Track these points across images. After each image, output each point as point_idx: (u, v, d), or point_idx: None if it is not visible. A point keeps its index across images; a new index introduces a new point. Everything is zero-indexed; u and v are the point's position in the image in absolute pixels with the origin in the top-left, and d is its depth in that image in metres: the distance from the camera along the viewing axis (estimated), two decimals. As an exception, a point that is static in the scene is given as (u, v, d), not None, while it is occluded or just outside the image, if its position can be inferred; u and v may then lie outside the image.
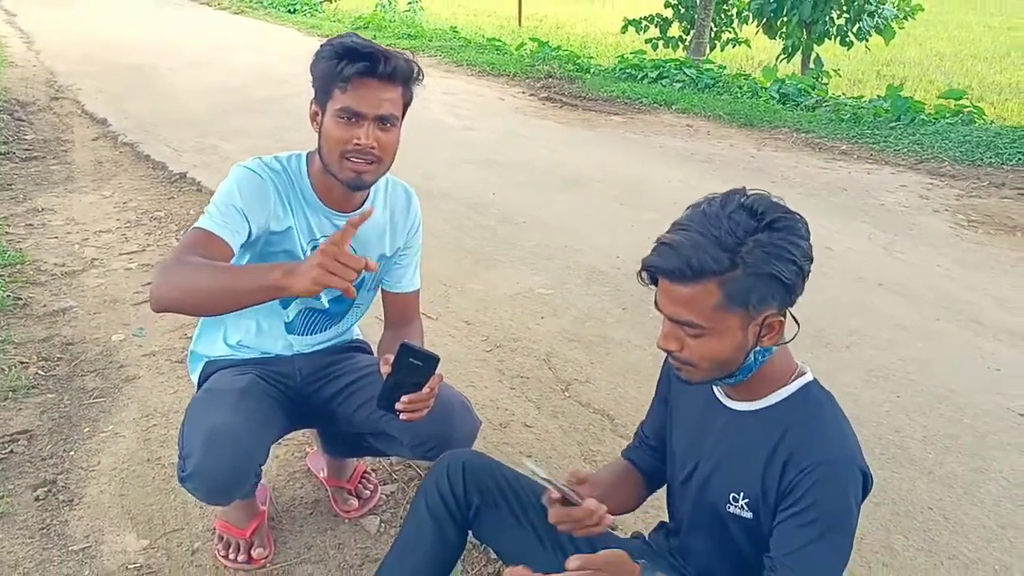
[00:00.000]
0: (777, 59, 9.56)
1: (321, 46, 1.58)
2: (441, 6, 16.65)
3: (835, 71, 9.48)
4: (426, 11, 14.32)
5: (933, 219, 4.59)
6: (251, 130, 5.95)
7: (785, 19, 9.31)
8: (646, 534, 1.57)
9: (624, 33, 10.97)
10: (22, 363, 2.65)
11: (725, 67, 9.17)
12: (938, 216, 4.65)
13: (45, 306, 3.09)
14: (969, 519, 2.14)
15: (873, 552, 2.00)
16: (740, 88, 7.98)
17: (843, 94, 8.18)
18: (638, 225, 4.25)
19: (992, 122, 6.80)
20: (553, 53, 9.55)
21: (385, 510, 2.08)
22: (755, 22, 9.85)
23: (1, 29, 10.65)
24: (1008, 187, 5.16)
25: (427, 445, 1.67)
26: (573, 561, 1.20)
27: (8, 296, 3.10)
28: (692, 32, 10.33)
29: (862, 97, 7.75)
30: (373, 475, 2.18)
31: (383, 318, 1.92)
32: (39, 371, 2.63)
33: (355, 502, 2.07)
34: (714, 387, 1.34)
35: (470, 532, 1.54)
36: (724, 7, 10.43)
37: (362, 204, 1.72)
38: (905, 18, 9.54)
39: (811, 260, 1.17)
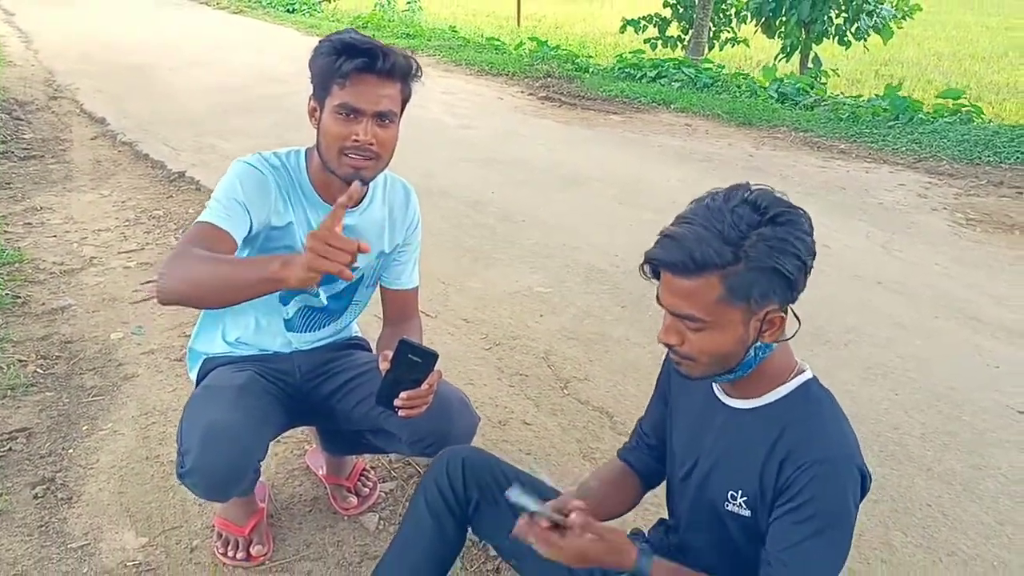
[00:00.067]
0: (776, 59, 9.57)
1: (320, 42, 1.58)
2: (440, 6, 16.65)
3: (833, 71, 9.49)
4: (425, 11, 14.32)
5: (931, 217, 4.60)
6: (250, 129, 5.95)
7: (784, 19, 9.32)
8: (645, 531, 1.57)
9: (623, 33, 10.98)
10: (21, 361, 2.65)
11: (724, 66, 9.18)
12: (936, 214, 4.65)
13: (44, 304, 3.09)
14: (968, 516, 2.14)
15: (872, 549, 2.00)
16: (739, 87, 7.99)
17: (841, 93, 8.18)
18: (637, 224, 4.25)
19: (990, 121, 6.81)
20: (552, 52, 9.55)
21: (384, 507, 2.08)
22: (753, 21, 9.86)
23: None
24: (1006, 186, 5.17)
25: (426, 441, 1.67)
26: (579, 516, 1.20)
27: (7, 295, 3.10)
28: (690, 32, 10.34)
29: (860, 96, 7.76)
30: (372, 472, 2.18)
31: (382, 315, 1.92)
32: (38, 369, 2.63)
33: (354, 499, 2.07)
34: (713, 385, 1.34)
35: (469, 528, 1.54)
36: (722, 7, 10.44)
37: (361, 200, 1.72)
38: (903, 18, 9.55)
39: (814, 255, 1.16)
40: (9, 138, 5.39)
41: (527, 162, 5.48)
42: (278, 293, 1.74)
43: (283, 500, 2.10)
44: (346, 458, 2.10)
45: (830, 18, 9.12)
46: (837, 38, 9.34)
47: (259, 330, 1.80)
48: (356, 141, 1.52)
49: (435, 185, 4.65)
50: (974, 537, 2.06)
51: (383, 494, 2.13)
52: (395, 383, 1.45)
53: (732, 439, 1.29)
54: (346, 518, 2.04)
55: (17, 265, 3.39)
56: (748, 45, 10.88)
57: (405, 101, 1.60)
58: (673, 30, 10.85)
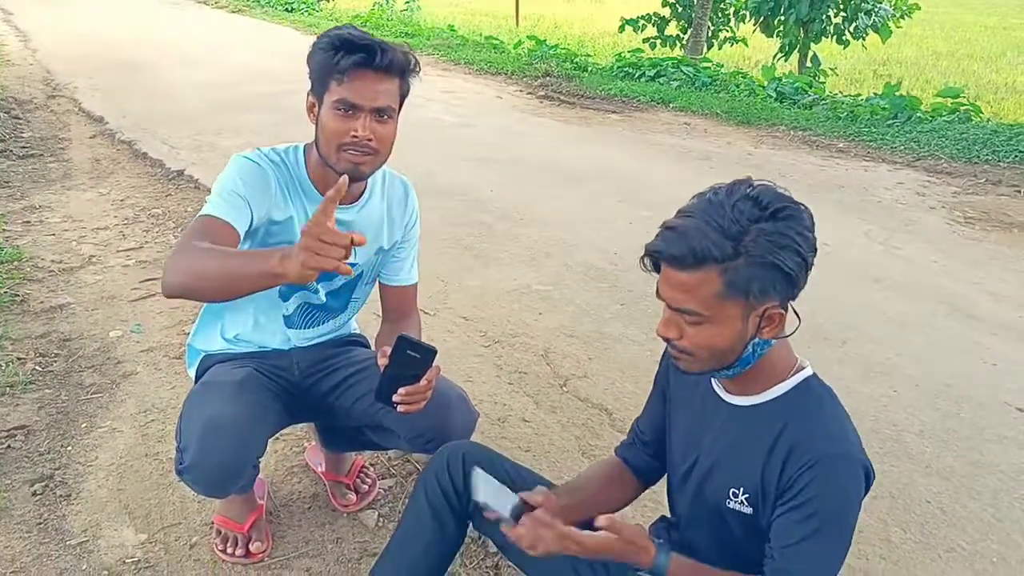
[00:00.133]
0: (774, 58, 9.58)
1: (318, 37, 1.57)
2: (438, 5, 16.65)
3: (832, 70, 9.51)
4: (423, 10, 14.33)
5: (930, 216, 4.60)
6: (248, 128, 5.94)
7: (782, 18, 9.34)
8: (646, 528, 1.57)
9: (621, 32, 11.00)
10: (19, 359, 2.65)
11: (722, 65, 9.19)
12: (935, 213, 4.66)
13: (42, 303, 3.09)
14: (966, 512, 2.14)
15: (871, 545, 2.00)
16: (737, 86, 8.00)
17: (840, 93, 8.19)
18: (636, 222, 4.26)
19: (988, 120, 6.82)
20: (551, 51, 9.56)
21: (383, 504, 2.08)
22: (752, 21, 9.87)
23: (-2, 28, 10.64)
24: (1005, 184, 5.17)
25: (425, 438, 1.67)
26: (604, 520, 1.20)
27: (5, 293, 3.09)
28: (689, 31, 10.36)
29: (859, 95, 7.77)
30: (371, 469, 2.18)
31: (381, 312, 1.92)
32: (36, 367, 2.62)
33: (353, 496, 2.07)
34: (713, 381, 1.33)
35: (470, 524, 1.54)
36: (721, 6, 10.45)
37: (360, 196, 1.72)
38: (902, 17, 9.57)
39: (815, 251, 1.16)
40: (8, 137, 5.38)
41: (526, 160, 5.48)
42: (278, 289, 1.74)
43: (282, 497, 2.10)
44: (345, 455, 2.10)
45: (828, 17, 9.14)
46: (835, 37, 9.36)
47: (258, 327, 1.80)
48: (355, 137, 1.52)
49: (434, 183, 4.65)
50: (973, 533, 2.07)
51: (382, 491, 2.13)
52: (394, 379, 1.45)
53: (733, 436, 1.29)
54: (345, 515, 2.04)
55: (16, 263, 3.39)
56: (747, 44, 10.90)
57: (403, 97, 1.59)
58: (672, 29, 10.86)
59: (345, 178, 1.26)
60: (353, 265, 1.34)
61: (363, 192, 1.72)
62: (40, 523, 1.95)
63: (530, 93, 7.92)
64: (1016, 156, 5.62)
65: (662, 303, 1.20)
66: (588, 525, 1.27)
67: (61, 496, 2.05)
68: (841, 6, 9.10)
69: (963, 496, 2.21)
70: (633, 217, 4.35)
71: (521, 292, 3.43)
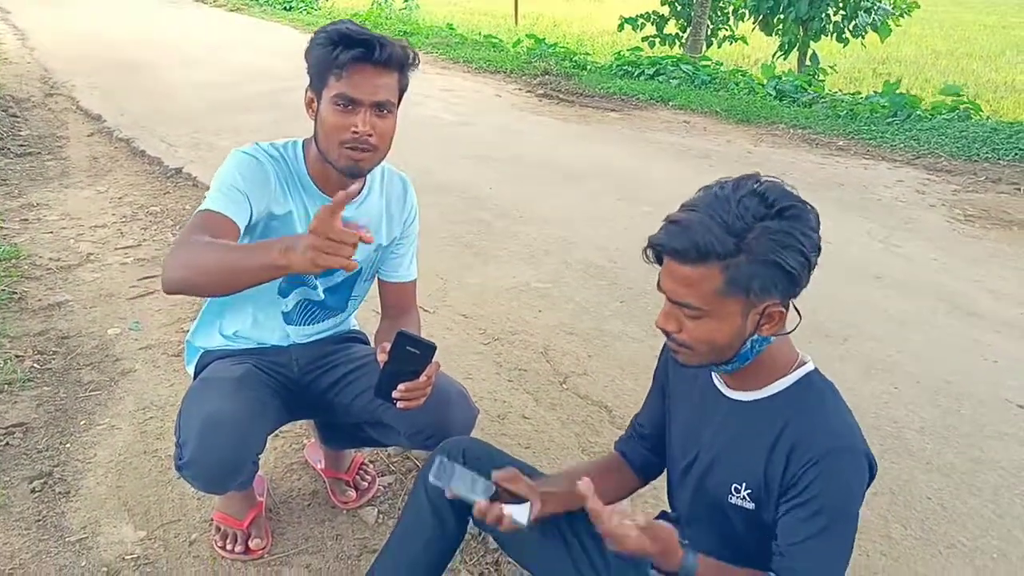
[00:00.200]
0: (774, 56, 9.58)
1: (316, 33, 1.56)
2: (437, 4, 16.63)
3: (831, 68, 9.50)
4: (422, 8, 14.31)
5: (930, 213, 4.60)
6: (247, 126, 5.93)
7: (781, 16, 9.33)
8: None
9: (621, 31, 10.98)
10: (18, 356, 2.64)
11: (721, 64, 9.19)
12: (935, 211, 4.65)
13: (40, 300, 3.08)
14: (967, 509, 2.14)
15: (871, 541, 1.99)
16: (737, 84, 7.99)
17: (839, 91, 8.19)
18: (635, 220, 4.25)
19: (988, 118, 6.82)
20: (550, 50, 9.55)
21: (383, 501, 2.08)
22: (751, 19, 9.87)
23: (-4, 26, 10.62)
24: (1004, 182, 5.17)
25: (424, 434, 1.66)
26: (641, 517, 1.18)
27: (3, 291, 3.08)
28: (688, 29, 10.35)
29: (859, 93, 7.77)
30: (371, 466, 2.17)
31: (380, 309, 1.91)
32: (35, 364, 2.62)
33: (353, 493, 2.07)
34: (714, 377, 1.33)
35: (470, 520, 1.53)
36: (720, 4, 10.45)
37: (358, 192, 1.71)
38: (901, 15, 9.56)
39: (819, 252, 1.15)
40: (5, 135, 5.37)
41: (525, 159, 5.47)
42: (277, 286, 1.73)
43: (282, 494, 2.09)
44: (345, 452, 2.09)
45: (828, 15, 9.13)
46: (835, 35, 9.35)
47: (257, 324, 1.79)
48: (355, 133, 1.51)
49: (433, 181, 4.64)
50: (973, 530, 2.06)
51: (382, 488, 2.12)
52: (394, 375, 1.44)
53: (734, 432, 1.28)
54: (345, 512, 2.03)
55: (14, 261, 3.38)
56: (746, 42, 10.90)
57: (402, 91, 1.59)
58: (671, 28, 10.86)
59: (357, 184, 1.26)
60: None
61: (362, 188, 1.72)
62: (39, 520, 1.94)
63: (529, 91, 7.91)
64: (1016, 154, 5.62)
65: (662, 295, 1.20)
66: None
67: (60, 493, 2.04)
68: (840, 4, 9.09)
69: (964, 492, 2.20)
70: (632, 215, 4.35)
71: (520, 290, 3.42)
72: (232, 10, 13.73)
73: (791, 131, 6.50)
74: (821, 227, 1.16)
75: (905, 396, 2.68)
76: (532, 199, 4.60)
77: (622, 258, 3.72)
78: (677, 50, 10.27)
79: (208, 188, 1.57)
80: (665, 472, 1.50)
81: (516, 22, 14.80)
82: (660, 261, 1.19)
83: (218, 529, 1.88)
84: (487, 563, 1.87)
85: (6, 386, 2.47)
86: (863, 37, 9.41)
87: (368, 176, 1.70)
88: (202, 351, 1.82)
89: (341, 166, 1.56)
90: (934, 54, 13.35)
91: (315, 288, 1.77)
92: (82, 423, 2.34)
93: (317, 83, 1.55)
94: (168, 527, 1.94)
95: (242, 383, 1.64)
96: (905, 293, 3.50)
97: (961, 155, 5.71)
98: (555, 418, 2.50)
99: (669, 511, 1.51)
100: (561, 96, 7.70)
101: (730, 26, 10.78)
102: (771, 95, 7.64)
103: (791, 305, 1.20)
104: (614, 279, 3.51)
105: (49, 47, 8.99)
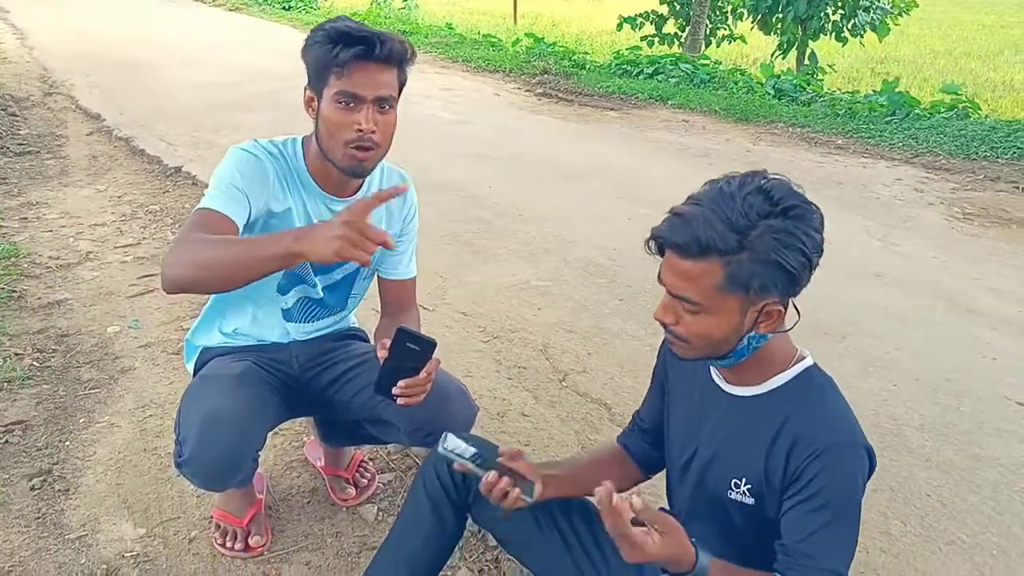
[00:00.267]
0: (772, 55, 9.59)
1: (312, 31, 1.55)
2: (436, 3, 16.64)
3: (830, 67, 9.51)
4: (421, 8, 14.31)
5: (929, 212, 4.61)
6: (246, 124, 5.93)
7: (780, 15, 9.34)
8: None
9: (620, 30, 10.99)
10: (17, 354, 2.64)
11: (720, 63, 9.19)
12: (934, 209, 4.66)
13: (40, 298, 3.08)
14: (966, 505, 2.14)
15: (871, 538, 2.00)
16: (736, 83, 7.99)
17: (838, 90, 8.20)
18: (634, 218, 4.25)
19: (987, 117, 6.82)
20: (549, 49, 9.54)
21: (383, 498, 2.08)
22: (750, 18, 9.87)
23: (-6, 26, 10.61)
24: (1003, 180, 5.18)
25: (424, 431, 1.66)
26: (638, 500, 1.13)
27: (3, 289, 3.08)
28: (687, 28, 10.35)
29: (857, 92, 7.77)
30: (370, 464, 2.17)
31: (379, 307, 1.91)
32: (34, 362, 2.61)
33: (352, 490, 2.07)
34: (712, 372, 1.33)
35: (469, 517, 1.53)
36: (719, 3, 10.46)
37: (357, 189, 1.71)
38: (900, 14, 9.57)
39: (821, 253, 1.15)
40: (4, 134, 5.37)
41: (524, 157, 5.47)
42: (276, 284, 1.73)
43: (281, 491, 2.09)
44: (344, 449, 2.09)
45: (827, 14, 9.14)
46: (833, 35, 9.36)
47: (256, 321, 1.79)
48: (360, 131, 1.51)
49: (432, 180, 4.64)
50: (973, 526, 2.06)
51: (381, 485, 2.12)
52: (393, 371, 1.44)
53: (733, 427, 1.29)
54: (344, 509, 2.03)
55: (13, 259, 3.38)
56: (745, 42, 10.91)
57: (402, 85, 1.59)
58: (670, 27, 10.87)
59: (405, 184, 1.27)
60: None
61: (361, 186, 1.71)
62: (39, 517, 1.94)
63: (528, 90, 7.91)
64: (1014, 152, 5.63)
65: (662, 288, 1.20)
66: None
67: (59, 491, 2.04)
68: (839, 4, 9.10)
69: (963, 489, 2.21)
70: (631, 214, 4.35)
71: (520, 288, 3.42)
72: (231, 9, 13.71)
73: (790, 130, 6.51)
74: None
75: (904, 393, 2.68)
76: (531, 198, 4.60)
77: (621, 256, 3.72)
78: (676, 49, 10.27)
79: (207, 187, 1.57)
80: (665, 469, 1.50)
81: (515, 21, 14.80)
82: (662, 253, 1.19)
83: (218, 526, 1.88)
84: (487, 560, 1.87)
85: (5, 384, 2.46)
86: (862, 36, 9.42)
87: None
88: (201, 348, 1.82)
89: (344, 166, 1.56)
90: (932, 53, 13.36)
91: (314, 286, 1.77)
92: (81, 421, 2.34)
93: (317, 82, 1.55)
94: (168, 524, 1.94)
95: (242, 380, 1.63)
96: (904, 291, 3.51)
97: (960, 153, 5.72)
98: (554, 416, 2.50)
99: (668, 509, 1.52)
100: (560, 95, 7.70)
101: (729, 25, 10.79)
102: (770, 94, 7.65)
103: (791, 303, 1.20)
104: (613, 277, 3.51)
105: (48, 46, 8.98)
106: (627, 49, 9.63)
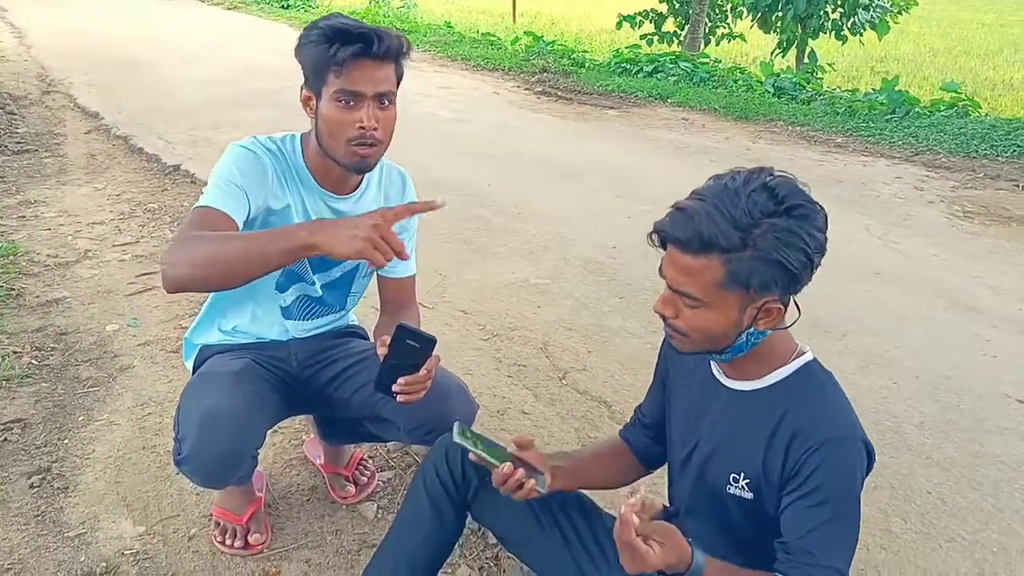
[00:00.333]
0: (772, 54, 9.59)
1: (306, 29, 1.54)
2: (435, 2, 16.63)
3: (830, 65, 9.50)
4: (420, 6, 14.30)
5: (929, 210, 4.61)
6: (245, 121, 5.92)
7: (780, 14, 9.33)
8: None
9: (619, 29, 10.99)
10: (15, 353, 2.63)
11: (720, 61, 9.19)
12: (933, 207, 4.66)
13: (38, 297, 3.07)
14: (967, 503, 2.14)
15: (872, 535, 1.99)
16: (735, 82, 8.00)
17: (838, 88, 8.20)
18: (634, 217, 4.25)
19: (987, 115, 6.83)
20: (548, 48, 9.54)
21: (382, 496, 2.08)
22: (749, 17, 9.87)
23: (-7, 24, 10.60)
24: (1003, 179, 5.18)
25: (424, 428, 1.66)
26: (637, 500, 1.13)
27: (1, 287, 3.08)
28: (687, 27, 10.35)
29: (857, 91, 7.77)
30: (370, 461, 2.17)
31: (379, 305, 1.91)
32: (33, 361, 2.61)
33: (352, 488, 2.06)
34: (713, 366, 1.33)
35: (469, 515, 1.53)
36: (718, 1, 10.45)
37: (356, 187, 1.70)
38: (899, 13, 9.57)
39: (823, 253, 1.14)
40: (2, 132, 5.36)
41: (523, 156, 5.47)
42: (275, 282, 1.72)
43: (281, 489, 2.09)
44: (344, 447, 2.08)
45: (826, 13, 9.13)
46: (833, 33, 9.35)
47: (255, 320, 1.78)
48: (362, 129, 1.50)
49: (431, 178, 4.63)
50: (973, 524, 2.06)
51: (381, 483, 2.12)
52: (393, 368, 1.44)
53: (732, 421, 1.28)
54: (344, 507, 2.03)
55: (11, 258, 3.37)
56: (744, 40, 10.91)
57: (399, 79, 1.58)
58: (669, 25, 10.86)
59: (443, 199, 1.37)
60: None
61: (360, 183, 1.71)
62: (38, 515, 1.94)
63: (527, 89, 7.90)
64: (1014, 150, 5.63)
65: (663, 281, 1.20)
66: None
67: (59, 489, 2.04)
68: (839, 2, 9.10)
69: (963, 487, 2.20)
70: (631, 212, 4.35)
71: (519, 286, 3.42)
72: (230, 8, 13.71)
73: (789, 128, 6.50)
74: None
75: (904, 391, 2.68)
76: (530, 196, 4.60)
77: (621, 254, 3.71)
78: (675, 48, 10.27)
79: (205, 185, 1.56)
80: (666, 465, 1.50)
81: (514, 20, 14.78)
82: (664, 247, 1.19)
83: (217, 524, 1.88)
84: (487, 558, 1.87)
85: (4, 382, 2.46)
86: (861, 35, 9.41)
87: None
88: (200, 346, 1.82)
89: (347, 163, 1.55)
90: (932, 52, 13.36)
91: (313, 284, 1.77)
92: (80, 419, 2.33)
93: (315, 81, 1.53)
94: (167, 522, 1.94)
95: (241, 377, 1.63)
96: (904, 289, 3.50)
97: (959, 152, 5.72)
98: (554, 413, 2.50)
99: (667, 505, 1.51)
100: (559, 93, 7.70)
101: (728, 24, 10.79)
102: (769, 92, 7.65)
103: (791, 300, 1.20)
104: (613, 275, 3.51)
105: (47, 45, 8.97)
106: (626, 47, 9.63)
